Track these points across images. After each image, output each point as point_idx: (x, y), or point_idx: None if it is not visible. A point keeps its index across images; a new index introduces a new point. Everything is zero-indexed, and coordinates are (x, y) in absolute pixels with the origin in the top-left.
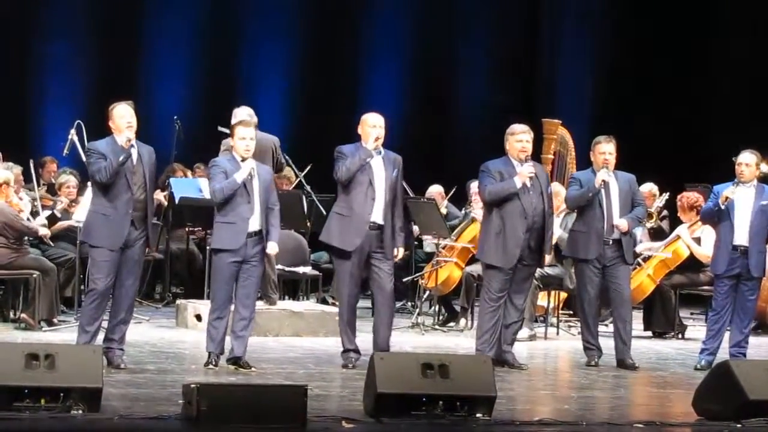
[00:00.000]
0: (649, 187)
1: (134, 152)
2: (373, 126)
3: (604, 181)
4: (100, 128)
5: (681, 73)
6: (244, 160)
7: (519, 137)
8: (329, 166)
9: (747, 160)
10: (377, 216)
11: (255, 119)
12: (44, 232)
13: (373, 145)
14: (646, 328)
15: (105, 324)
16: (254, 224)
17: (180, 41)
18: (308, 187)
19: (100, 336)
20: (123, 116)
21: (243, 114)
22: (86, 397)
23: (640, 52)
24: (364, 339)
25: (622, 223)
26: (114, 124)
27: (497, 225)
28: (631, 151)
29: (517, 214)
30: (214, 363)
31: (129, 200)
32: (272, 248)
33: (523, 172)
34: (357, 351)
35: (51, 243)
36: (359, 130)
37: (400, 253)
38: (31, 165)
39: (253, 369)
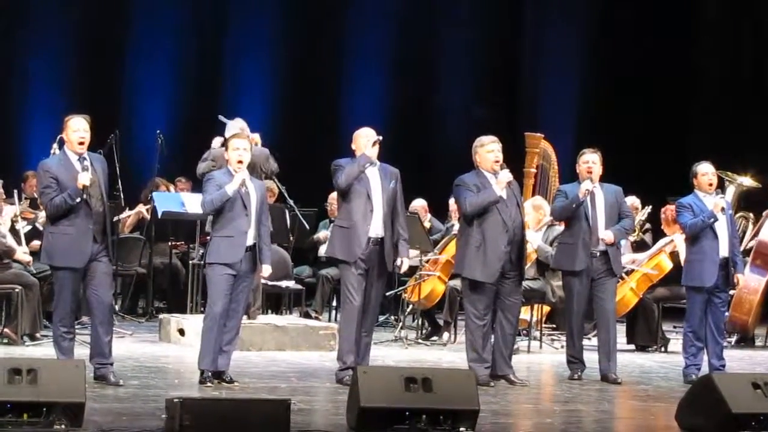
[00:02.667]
0: (631, 201)
1: (87, 164)
2: (365, 136)
3: (588, 190)
4: None
5: (663, 87)
6: (237, 171)
7: (489, 147)
8: (311, 180)
9: (712, 169)
10: (377, 229)
11: (248, 131)
12: (27, 259)
13: (372, 151)
14: (629, 342)
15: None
16: (250, 238)
17: (162, 56)
18: (291, 201)
19: (83, 351)
20: (77, 130)
21: (236, 126)
22: (69, 411)
23: (623, 67)
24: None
25: (607, 236)
26: (67, 137)
27: (477, 239)
28: (613, 164)
29: (498, 227)
30: (210, 381)
31: (88, 216)
32: (267, 270)
33: (502, 179)
34: (354, 368)
35: (33, 269)
36: (353, 146)
37: (404, 264)
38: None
39: (236, 383)
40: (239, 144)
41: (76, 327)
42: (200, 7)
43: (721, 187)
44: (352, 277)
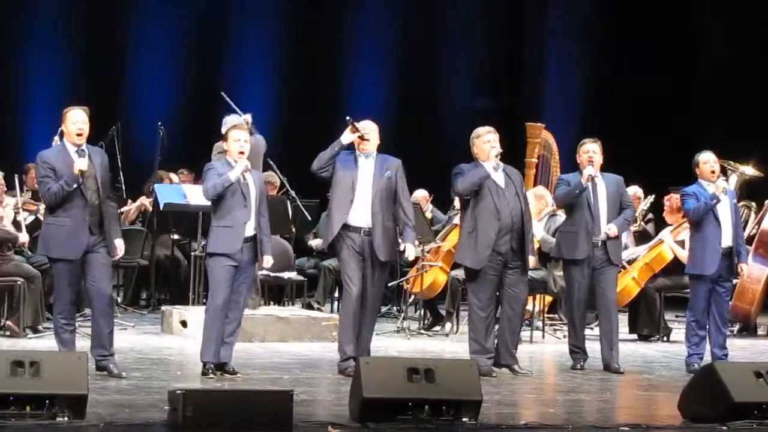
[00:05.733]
0: (633, 190)
1: (85, 158)
2: (368, 129)
3: (590, 176)
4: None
5: (664, 76)
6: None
7: (486, 138)
8: (311, 175)
9: (714, 158)
10: (362, 219)
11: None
12: (24, 239)
13: (348, 139)
14: (631, 331)
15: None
16: (249, 229)
17: (164, 47)
18: (293, 192)
19: (85, 343)
20: (75, 122)
21: (234, 121)
22: (72, 403)
23: (625, 56)
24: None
25: (611, 230)
26: (66, 129)
27: (470, 225)
28: (615, 153)
29: (490, 215)
30: (213, 373)
31: (84, 207)
32: (268, 261)
33: (491, 153)
34: (356, 359)
35: (29, 251)
36: None
37: (410, 252)
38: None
39: (238, 375)
40: (239, 135)
41: (78, 319)
42: None
43: (723, 175)
44: (348, 267)
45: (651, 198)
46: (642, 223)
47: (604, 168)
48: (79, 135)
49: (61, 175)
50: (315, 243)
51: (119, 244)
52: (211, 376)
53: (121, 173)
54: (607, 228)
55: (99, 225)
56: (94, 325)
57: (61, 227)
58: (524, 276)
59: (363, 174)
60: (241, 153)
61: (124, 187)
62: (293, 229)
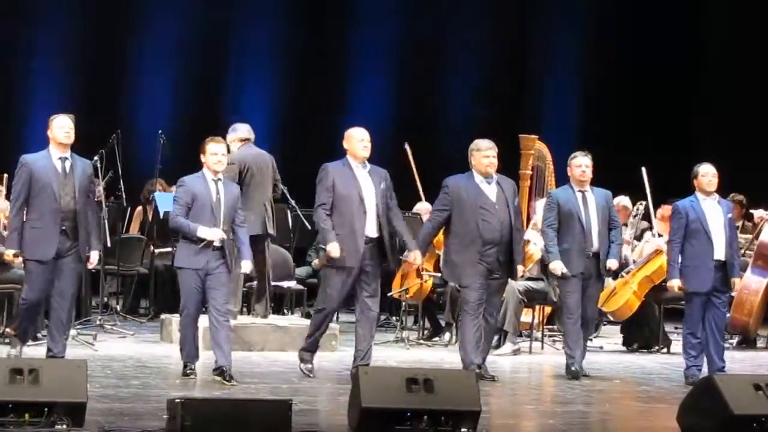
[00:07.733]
0: (621, 200)
1: (67, 164)
2: (360, 139)
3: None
4: (85, 141)
5: (664, 86)
6: (216, 173)
7: (486, 153)
8: (313, 180)
9: (713, 170)
10: (371, 230)
11: (253, 135)
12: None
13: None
14: (630, 343)
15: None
16: (217, 242)
17: (165, 57)
18: (293, 201)
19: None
20: (62, 127)
21: (243, 129)
22: (70, 411)
23: (623, 68)
24: (348, 354)
25: (612, 264)
26: (52, 134)
27: (454, 245)
28: (613, 164)
29: (470, 235)
30: (190, 371)
31: (56, 211)
32: (246, 267)
33: (486, 169)
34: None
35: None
36: (345, 145)
37: (417, 257)
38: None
39: (235, 383)
40: (216, 149)
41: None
42: (204, 6)
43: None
44: (338, 279)
45: (640, 206)
46: (634, 240)
47: (595, 181)
48: (66, 135)
49: (37, 179)
50: (316, 263)
51: (93, 257)
52: (189, 371)
53: (121, 181)
54: (609, 263)
55: (75, 230)
56: (51, 329)
57: (33, 229)
58: (503, 287)
59: (365, 185)
60: (218, 163)
61: (124, 195)
62: (293, 239)
